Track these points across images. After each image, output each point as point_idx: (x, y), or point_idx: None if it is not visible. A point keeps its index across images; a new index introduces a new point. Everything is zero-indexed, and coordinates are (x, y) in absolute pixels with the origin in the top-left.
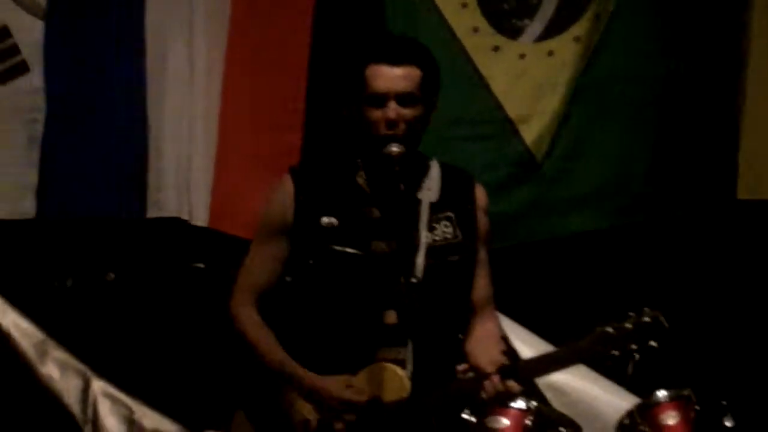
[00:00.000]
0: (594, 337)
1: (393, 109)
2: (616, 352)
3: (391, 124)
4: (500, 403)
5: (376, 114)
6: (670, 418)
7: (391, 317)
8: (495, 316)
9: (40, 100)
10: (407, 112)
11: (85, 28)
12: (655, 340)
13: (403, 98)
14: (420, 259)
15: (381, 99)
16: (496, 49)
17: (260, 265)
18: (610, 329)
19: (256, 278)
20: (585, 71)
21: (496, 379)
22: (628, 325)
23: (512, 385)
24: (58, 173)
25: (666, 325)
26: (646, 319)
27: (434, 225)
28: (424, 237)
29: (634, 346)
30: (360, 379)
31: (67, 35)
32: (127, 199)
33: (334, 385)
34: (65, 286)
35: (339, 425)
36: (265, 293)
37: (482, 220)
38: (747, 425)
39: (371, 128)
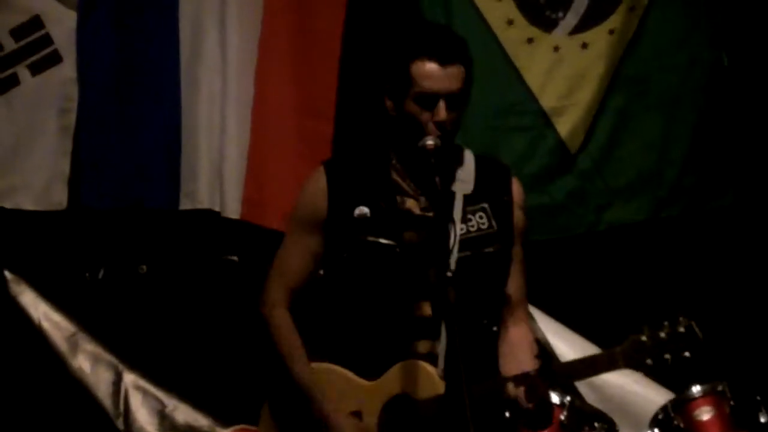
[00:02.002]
0: (628, 345)
1: (443, 110)
2: (649, 361)
3: (441, 125)
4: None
5: (425, 115)
6: (705, 413)
7: (425, 309)
8: (527, 318)
9: (73, 91)
10: (454, 112)
11: (118, 18)
12: (689, 351)
13: (452, 99)
14: (454, 251)
15: (431, 99)
16: (530, 41)
17: (293, 261)
18: (644, 338)
19: (290, 274)
20: (622, 63)
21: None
22: (663, 335)
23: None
24: (90, 164)
25: (700, 335)
26: (681, 329)
27: (469, 216)
28: (458, 228)
29: (668, 356)
30: (388, 380)
31: (100, 25)
32: (159, 190)
33: (348, 426)
34: (97, 278)
35: None
36: (298, 290)
37: (518, 215)
38: None
39: (418, 127)
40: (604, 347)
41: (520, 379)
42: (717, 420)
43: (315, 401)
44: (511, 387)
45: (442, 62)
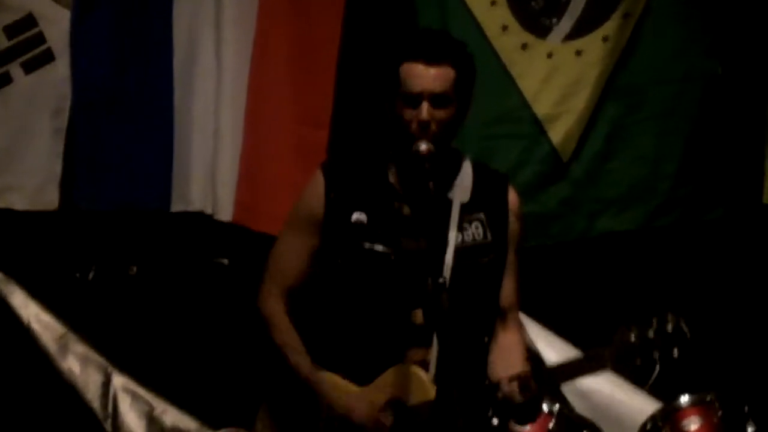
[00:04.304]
0: (616, 345)
1: (426, 110)
2: (638, 362)
3: (424, 125)
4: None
5: (409, 114)
6: (693, 423)
7: (419, 317)
8: (518, 323)
9: (66, 90)
10: (440, 113)
11: (113, 19)
12: (677, 349)
13: (436, 99)
14: (449, 260)
15: (415, 99)
16: (524, 47)
17: (290, 260)
18: (632, 337)
19: (287, 273)
20: (616, 72)
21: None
22: (651, 334)
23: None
24: (82, 164)
25: (688, 333)
26: (669, 327)
27: (465, 226)
28: (454, 237)
29: (656, 355)
30: (381, 385)
31: (94, 25)
32: (151, 192)
33: (357, 403)
34: (87, 279)
35: None
36: (295, 288)
37: (513, 224)
38: None
39: (404, 126)
40: None
41: (513, 376)
42: (705, 430)
43: (318, 392)
44: (504, 384)
45: (428, 62)
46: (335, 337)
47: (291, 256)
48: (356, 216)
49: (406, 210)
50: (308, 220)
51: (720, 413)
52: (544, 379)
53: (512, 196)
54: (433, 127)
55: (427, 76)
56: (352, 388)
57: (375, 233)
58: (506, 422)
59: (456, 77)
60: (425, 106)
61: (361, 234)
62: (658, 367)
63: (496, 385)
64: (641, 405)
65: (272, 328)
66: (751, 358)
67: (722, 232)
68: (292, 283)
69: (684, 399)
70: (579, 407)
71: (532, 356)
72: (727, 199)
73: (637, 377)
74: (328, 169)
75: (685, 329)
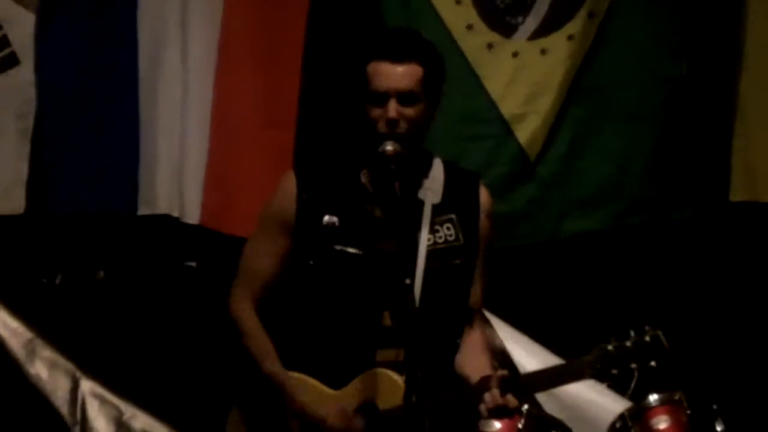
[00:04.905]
0: (595, 355)
1: (393, 108)
2: (615, 371)
3: (392, 122)
4: (497, 416)
5: (377, 112)
6: (662, 422)
7: (389, 319)
8: (484, 323)
9: (31, 94)
10: (408, 111)
11: (77, 21)
12: (655, 360)
13: (403, 97)
14: (420, 261)
15: (382, 97)
16: (489, 46)
17: (261, 262)
18: (610, 347)
19: (257, 275)
20: (582, 72)
21: (496, 392)
22: (629, 344)
23: (511, 399)
24: (48, 168)
25: (666, 345)
26: (647, 338)
27: (436, 227)
28: (425, 239)
29: (634, 365)
30: (354, 389)
31: (59, 28)
32: (118, 195)
33: (326, 409)
34: (54, 284)
35: None
36: (266, 291)
37: (484, 224)
38: (737, 430)
39: (372, 126)
40: (563, 355)
41: (493, 376)
42: (674, 429)
43: (289, 396)
44: (483, 384)
45: (394, 60)
46: (306, 339)
47: (262, 258)
48: (328, 218)
49: (378, 212)
50: (279, 221)
51: (689, 412)
52: (521, 388)
53: (484, 196)
54: (402, 125)
55: (394, 74)
56: (325, 390)
57: (346, 235)
58: (474, 422)
59: (424, 75)
60: (392, 103)
61: (332, 236)
62: (635, 378)
63: (472, 387)
64: (610, 404)
65: (242, 331)
66: (719, 357)
67: (690, 231)
68: (262, 285)
69: (653, 398)
70: (548, 407)
71: (505, 359)
72: (695, 198)
73: (614, 386)
74: (299, 171)
75: (664, 341)
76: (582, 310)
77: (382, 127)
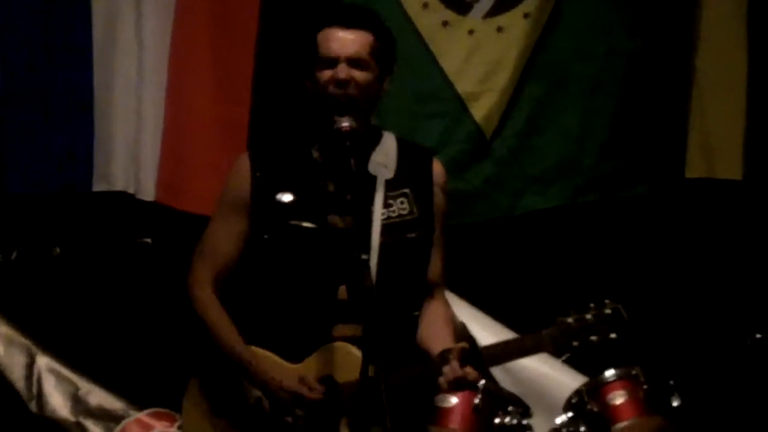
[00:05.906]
0: (555, 328)
1: (343, 69)
2: (575, 343)
3: (341, 83)
4: (457, 388)
5: (327, 74)
6: (619, 397)
7: (345, 293)
8: (445, 297)
9: None
10: (358, 75)
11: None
12: (615, 332)
13: (354, 62)
14: (375, 236)
15: (332, 61)
16: (445, 24)
17: (220, 242)
18: (571, 320)
19: (216, 255)
20: (539, 49)
21: (455, 365)
22: (589, 317)
23: (470, 371)
24: (3, 148)
25: (626, 317)
26: (607, 311)
27: (390, 202)
28: (380, 213)
29: (594, 338)
30: (313, 363)
31: (13, 7)
32: (73, 172)
33: (287, 378)
34: (10, 260)
35: (289, 419)
36: (227, 272)
37: (439, 198)
38: (693, 404)
39: (322, 89)
40: (522, 332)
41: (454, 349)
42: (630, 404)
43: (250, 366)
44: (444, 357)
45: (343, 26)
46: (264, 314)
47: (221, 238)
48: (282, 194)
49: (331, 187)
50: (236, 202)
51: (645, 387)
52: (481, 361)
53: (437, 170)
54: (352, 88)
55: (344, 39)
56: (284, 364)
57: (301, 210)
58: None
59: (373, 43)
60: (342, 66)
61: (287, 211)
62: (595, 350)
63: (431, 360)
64: (567, 380)
65: (202, 308)
66: (674, 332)
67: (646, 207)
68: (222, 265)
69: (609, 373)
70: (504, 383)
71: (465, 336)
72: (651, 175)
73: (574, 358)
74: (253, 150)
75: (624, 314)
76: (540, 287)
77: (332, 89)
